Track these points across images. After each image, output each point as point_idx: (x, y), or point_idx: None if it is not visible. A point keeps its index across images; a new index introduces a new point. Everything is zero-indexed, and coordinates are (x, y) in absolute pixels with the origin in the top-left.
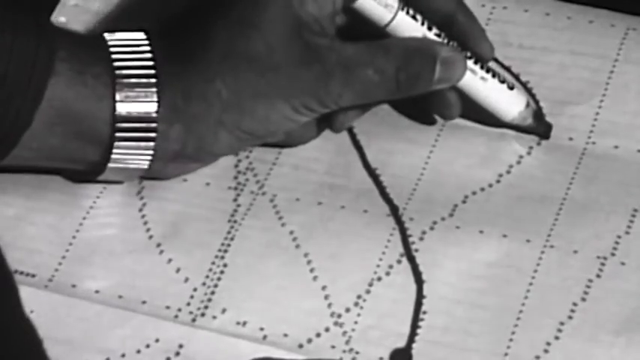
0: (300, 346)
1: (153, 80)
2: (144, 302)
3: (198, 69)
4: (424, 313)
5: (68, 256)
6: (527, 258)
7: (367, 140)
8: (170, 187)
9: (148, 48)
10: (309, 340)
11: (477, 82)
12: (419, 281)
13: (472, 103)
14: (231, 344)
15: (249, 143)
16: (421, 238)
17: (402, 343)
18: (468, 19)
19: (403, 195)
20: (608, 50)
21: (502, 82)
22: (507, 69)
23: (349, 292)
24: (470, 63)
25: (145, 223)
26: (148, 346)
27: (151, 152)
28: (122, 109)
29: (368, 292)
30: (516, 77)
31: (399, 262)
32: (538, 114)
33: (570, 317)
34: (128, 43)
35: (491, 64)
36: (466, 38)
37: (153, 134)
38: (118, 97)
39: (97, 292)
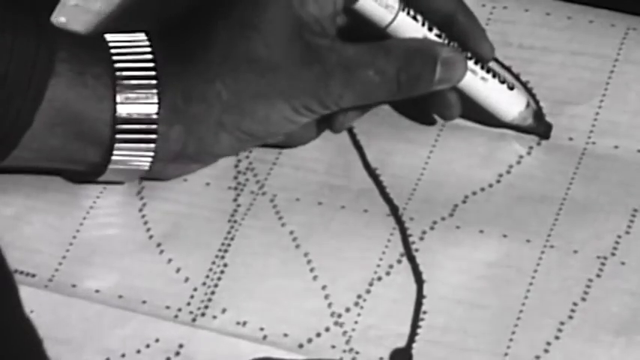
0: (300, 346)
1: (153, 82)
2: (144, 302)
3: (198, 70)
4: (424, 313)
5: (68, 256)
6: (527, 258)
7: (367, 140)
8: (170, 187)
9: (148, 49)
10: (309, 340)
11: (477, 83)
12: (419, 281)
13: (472, 104)
14: (231, 344)
15: (250, 144)
16: (421, 238)
17: (402, 343)
18: (469, 19)
19: (403, 195)
20: (609, 50)
21: (502, 82)
22: (507, 69)
23: (349, 291)
24: (470, 63)
25: (145, 223)
26: (148, 346)
27: (152, 153)
28: (123, 110)
29: (368, 291)
30: (516, 77)
31: (399, 261)
32: (538, 114)
33: (570, 317)
34: (129, 44)
35: (492, 65)
36: (466, 38)
37: (153, 135)
38: (118, 98)
39: (97, 292)
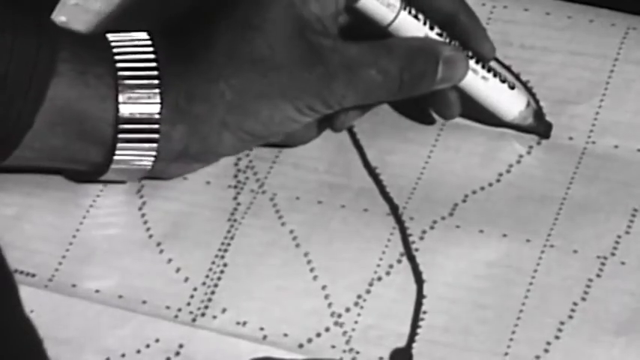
0: (300, 346)
1: (156, 82)
2: (144, 302)
3: (200, 70)
4: (424, 313)
5: (68, 256)
6: (527, 258)
7: (367, 140)
8: (170, 185)
9: (150, 49)
10: (309, 340)
11: (478, 82)
12: (419, 281)
13: (472, 103)
14: (231, 344)
15: (252, 144)
16: (421, 238)
17: (402, 343)
18: (470, 18)
19: (403, 194)
20: (609, 50)
21: (503, 81)
22: (508, 68)
23: (349, 291)
24: (471, 62)
25: (145, 222)
26: (148, 346)
27: (154, 153)
28: (125, 110)
29: (368, 291)
30: (517, 77)
31: (399, 261)
32: (538, 113)
33: (570, 317)
34: (131, 44)
35: (492, 64)
36: (467, 38)
37: (156, 135)
38: (120, 98)
39: (97, 292)
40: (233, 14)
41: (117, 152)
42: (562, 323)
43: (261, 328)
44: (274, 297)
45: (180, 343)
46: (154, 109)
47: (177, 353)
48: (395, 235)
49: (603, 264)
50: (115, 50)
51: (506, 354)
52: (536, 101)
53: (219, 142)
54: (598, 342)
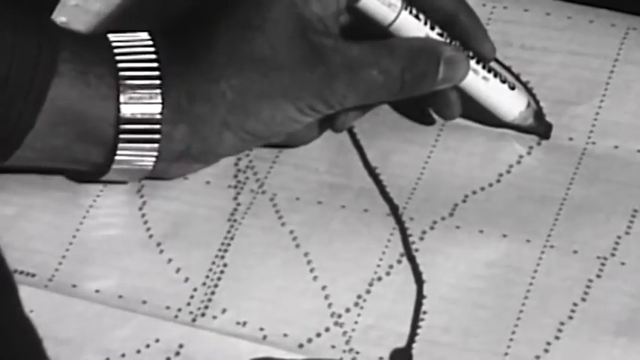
0: (300, 346)
1: (157, 82)
2: (144, 302)
3: (202, 70)
4: (424, 313)
5: (68, 256)
6: (527, 258)
7: (367, 140)
8: (170, 185)
9: (152, 49)
10: (309, 340)
11: (478, 82)
12: (419, 281)
13: (472, 103)
14: (231, 344)
15: (253, 144)
16: (421, 238)
17: (402, 343)
18: (470, 18)
19: (403, 194)
20: (609, 50)
21: (503, 82)
22: (508, 69)
23: (349, 292)
24: (472, 63)
25: (145, 222)
26: (148, 346)
27: (155, 153)
28: (126, 110)
29: (368, 292)
30: (517, 77)
31: (399, 262)
32: (538, 114)
33: (570, 317)
34: (132, 44)
35: (492, 64)
36: (468, 38)
37: (157, 135)
38: (122, 98)
39: (97, 292)
40: (234, 14)
41: (118, 152)
42: (562, 323)
43: (261, 328)
44: (274, 297)
45: (180, 343)
46: (156, 109)
47: (177, 353)
48: (395, 236)
49: (603, 264)
50: (116, 50)
51: (506, 354)
52: (537, 102)
53: (221, 142)
54: (598, 342)
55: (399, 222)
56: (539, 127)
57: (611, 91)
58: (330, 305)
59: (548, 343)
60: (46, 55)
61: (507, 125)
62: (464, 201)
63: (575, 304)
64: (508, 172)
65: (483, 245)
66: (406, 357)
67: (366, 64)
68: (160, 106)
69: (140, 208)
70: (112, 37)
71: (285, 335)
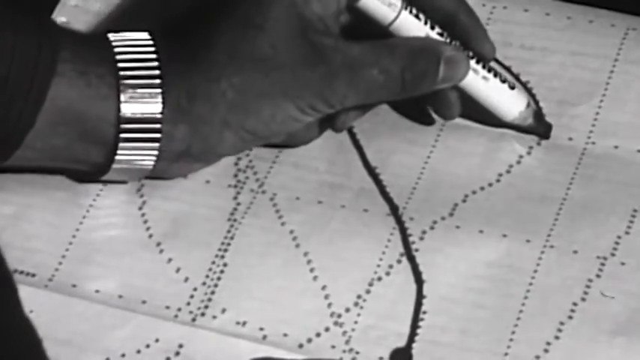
0: (300, 346)
1: (157, 81)
2: (144, 302)
3: (202, 69)
4: (424, 313)
5: (68, 256)
6: (527, 258)
7: (367, 140)
8: (170, 185)
9: (152, 48)
10: (309, 340)
11: (478, 82)
12: (419, 281)
13: (472, 103)
14: (231, 344)
15: (254, 144)
16: (421, 238)
17: (402, 343)
18: (470, 18)
19: (403, 194)
20: (608, 50)
21: (503, 81)
22: (507, 69)
23: (349, 292)
24: (472, 62)
25: (145, 221)
26: (148, 346)
27: (156, 153)
28: (127, 110)
29: (368, 292)
30: (516, 77)
31: (399, 261)
32: (538, 114)
33: (570, 317)
34: (132, 43)
35: (492, 64)
36: (468, 38)
37: (157, 135)
38: (122, 98)
39: (97, 292)
40: (234, 14)
41: (118, 152)
42: (562, 323)
43: (261, 328)
44: (274, 297)
45: (180, 343)
46: (156, 108)
47: (177, 353)
48: (395, 236)
49: (603, 264)
50: (116, 50)
51: (506, 354)
52: (536, 102)
53: (221, 141)
54: (598, 342)
55: (399, 222)
56: (539, 127)
57: (611, 91)
58: (330, 305)
59: (548, 343)
60: (46, 55)
61: (507, 125)
62: (464, 201)
63: (575, 304)
64: (508, 172)
65: (483, 245)
66: (406, 357)
67: (367, 63)
68: (161, 105)
69: (140, 208)
70: (112, 36)
71: (285, 335)
